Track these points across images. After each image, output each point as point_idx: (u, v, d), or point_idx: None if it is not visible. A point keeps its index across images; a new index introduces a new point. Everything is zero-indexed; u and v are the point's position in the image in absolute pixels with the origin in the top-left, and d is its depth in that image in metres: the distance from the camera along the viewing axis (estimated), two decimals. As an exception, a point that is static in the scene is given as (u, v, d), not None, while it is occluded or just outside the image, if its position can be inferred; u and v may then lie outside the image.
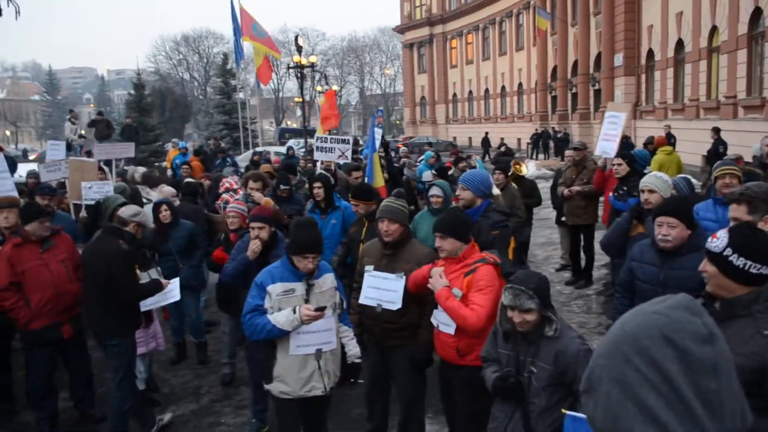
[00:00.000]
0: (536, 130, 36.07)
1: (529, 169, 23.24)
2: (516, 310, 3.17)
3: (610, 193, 7.17)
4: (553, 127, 34.70)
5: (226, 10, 25.87)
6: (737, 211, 3.35)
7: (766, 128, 14.92)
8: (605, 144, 7.98)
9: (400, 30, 60.76)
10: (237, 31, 25.21)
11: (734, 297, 2.56)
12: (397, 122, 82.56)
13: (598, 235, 9.75)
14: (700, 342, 1.10)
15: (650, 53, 26.52)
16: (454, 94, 55.66)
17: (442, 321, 4.03)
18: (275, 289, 3.89)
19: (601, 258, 9.70)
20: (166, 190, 8.61)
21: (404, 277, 4.25)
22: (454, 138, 50.47)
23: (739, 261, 2.53)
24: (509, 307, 3.20)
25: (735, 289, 2.56)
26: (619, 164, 7.10)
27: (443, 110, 56.72)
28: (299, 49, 24.49)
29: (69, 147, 15.35)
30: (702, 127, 19.23)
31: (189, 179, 10.52)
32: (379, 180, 8.47)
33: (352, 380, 5.25)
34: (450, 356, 4.04)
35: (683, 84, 23.49)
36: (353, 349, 4.28)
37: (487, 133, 37.82)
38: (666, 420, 1.07)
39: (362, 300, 4.38)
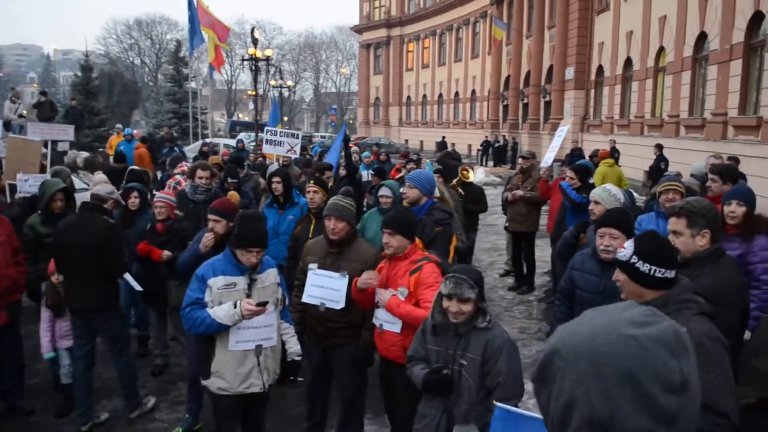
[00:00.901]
0: (486, 137, 36.55)
1: (477, 175, 23.59)
2: (455, 299, 3.23)
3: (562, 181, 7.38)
4: (502, 136, 35.20)
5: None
6: (677, 225, 3.45)
7: (705, 147, 15.51)
8: (548, 155, 8.25)
9: (358, 30, 60.71)
10: (193, 19, 24.73)
11: (645, 302, 2.64)
12: (351, 122, 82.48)
13: (540, 242, 10.00)
14: (669, 391, 0.98)
15: (600, 69, 27.19)
16: (408, 97, 55.91)
17: (385, 320, 4.04)
18: (216, 282, 3.82)
19: (543, 265, 9.91)
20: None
21: (348, 276, 4.23)
22: (406, 141, 50.68)
23: (644, 267, 2.68)
24: (448, 296, 3.24)
25: (645, 294, 2.69)
26: (572, 177, 7.28)
27: (397, 112, 56.92)
28: (255, 41, 24.17)
29: (8, 126, 14.78)
30: (645, 143, 19.81)
31: (134, 167, 10.25)
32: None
33: (291, 378, 5.20)
34: (394, 355, 4.04)
35: (630, 101, 24.15)
36: (294, 347, 4.24)
37: (444, 137, 38.09)
38: None
39: (305, 298, 4.35)
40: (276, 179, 6.60)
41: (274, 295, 4.02)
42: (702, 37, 18.20)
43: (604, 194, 4.98)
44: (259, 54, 24.66)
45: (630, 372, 0.97)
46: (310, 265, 4.40)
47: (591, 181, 7.58)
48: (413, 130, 53.92)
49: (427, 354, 3.43)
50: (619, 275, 2.77)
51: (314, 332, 4.50)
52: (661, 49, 21.14)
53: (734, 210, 4.50)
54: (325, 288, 4.27)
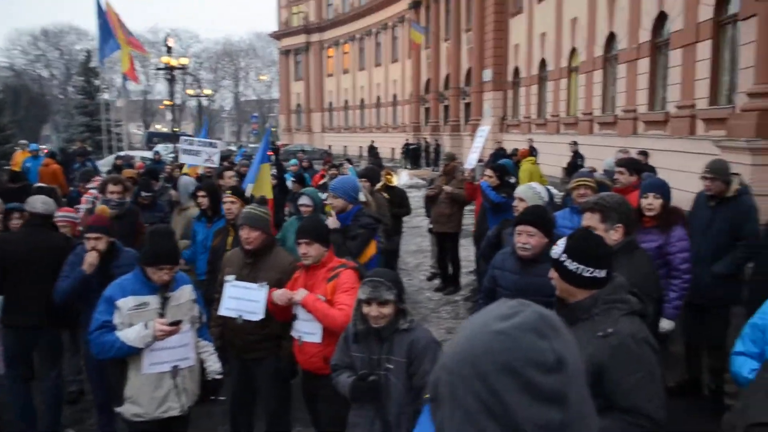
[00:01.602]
0: (407, 140, 36.84)
1: (401, 178, 23.72)
2: (374, 303, 3.16)
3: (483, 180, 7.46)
4: (424, 138, 35.57)
5: (90, 4, 24.35)
6: (590, 220, 3.49)
7: (618, 143, 16.05)
8: (471, 156, 8.31)
9: (277, 36, 60.18)
10: (103, 28, 23.79)
11: (575, 302, 2.68)
12: (273, 129, 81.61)
13: (465, 242, 10.09)
14: (546, 371, 1.01)
15: (516, 70, 27.86)
16: (330, 103, 55.80)
17: (305, 331, 3.93)
18: (126, 303, 3.60)
19: (468, 265, 9.98)
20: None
21: (267, 286, 4.10)
22: (330, 146, 50.54)
23: (572, 265, 2.65)
24: (366, 301, 3.18)
25: (576, 293, 2.68)
26: (490, 176, 7.35)
27: (319, 118, 56.69)
28: (169, 50, 23.52)
29: None
30: (562, 141, 20.39)
31: (41, 185, 9.69)
32: (267, 192, 7.72)
33: (212, 397, 4.99)
34: (315, 366, 3.93)
35: (546, 100, 24.85)
36: (213, 365, 4.05)
37: (373, 142, 38.10)
38: None
39: (222, 311, 4.18)
40: (201, 193, 6.38)
41: (190, 312, 3.83)
42: (611, 38, 18.90)
43: (529, 192, 5.02)
44: (174, 62, 24.00)
45: (506, 364, 1.01)
46: (227, 277, 4.25)
47: (512, 180, 7.69)
48: (337, 135, 53.83)
49: (351, 361, 3.35)
50: (552, 273, 2.76)
51: (233, 346, 4.34)
52: (573, 50, 21.83)
53: (651, 203, 4.61)
54: (243, 300, 4.13)
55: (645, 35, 16.45)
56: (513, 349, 1.02)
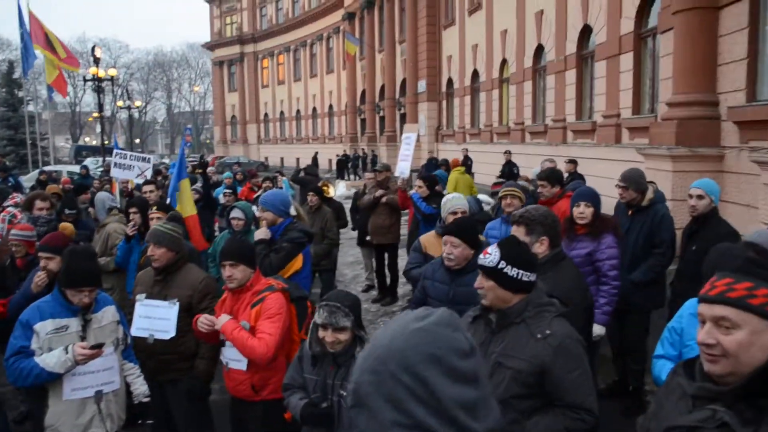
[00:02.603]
0: (344, 151, 36.85)
1: (338, 190, 23.66)
2: (330, 328, 3.05)
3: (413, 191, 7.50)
4: (362, 149, 35.66)
5: (12, 13, 23.39)
6: (517, 232, 3.57)
7: (549, 152, 16.47)
8: (402, 164, 8.33)
9: (210, 47, 59.27)
10: (25, 37, 22.88)
11: (508, 307, 2.72)
12: (207, 141, 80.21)
13: (402, 253, 10.11)
14: (464, 356, 1.21)
15: (450, 81, 28.27)
16: (266, 114, 55.27)
17: (231, 357, 3.79)
18: (44, 327, 3.45)
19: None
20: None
21: (177, 303, 4.01)
22: (266, 158, 50.06)
23: (513, 271, 2.70)
24: (323, 325, 3.06)
25: (511, 298, 2.73)
26: (420, 186, 7.41)
27: (255, 130, 56.06)
28: (96, 60, 22.82)
29: None
30: (496, 150, 20.78)
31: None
32: (190, 208, 7.36)
33: (140, 421, 4.83)
34: (244, 393, 3.82)
35: (479, 111, 25.27)
36: (140, 388, 3.93)
37: (317, 153, 37.82)
38: (435, 429, 1.17)
39: (133, 332, 4.05)
40: (133, 209, 6.17)
41: (114, 334, 3.70)
42: (540, 49, 19.40)
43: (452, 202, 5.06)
44: (102, 74, 23.30)
45: (431, 353, 1.19)
46: (138, 296, 4.14)
47: (445, 191, 7.78)
48: (273, 147, 53.36)
49: (304, 383, 3.24)
50: (483, 282, 2.75)
51: (146, 367, 4.15)
52: (504, 61, 22.30)
53: (583, 211, 4.73)
54: (154, 318, 4.03)
55: (571, 47, 16.97)
56: (435, 340, 1.20)
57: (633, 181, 5.26)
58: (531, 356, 2.63)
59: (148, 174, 10.10)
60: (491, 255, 2.74)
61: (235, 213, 5.90)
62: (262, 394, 3.77)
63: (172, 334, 4.00)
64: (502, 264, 2.70)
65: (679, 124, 8.97)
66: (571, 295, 3.34)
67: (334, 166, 38.18)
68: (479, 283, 2.77)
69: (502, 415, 1.28)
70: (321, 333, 3.10)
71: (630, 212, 5.31)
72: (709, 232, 4.74)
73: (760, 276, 1.69)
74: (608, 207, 5.70)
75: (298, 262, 5.06)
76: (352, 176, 33.59)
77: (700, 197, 4.86)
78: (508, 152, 18.25)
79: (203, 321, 3.75)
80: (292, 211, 5.46)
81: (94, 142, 63.27)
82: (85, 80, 25.64)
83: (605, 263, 4.63)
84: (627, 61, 13.90)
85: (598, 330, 4.64)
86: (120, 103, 42.88)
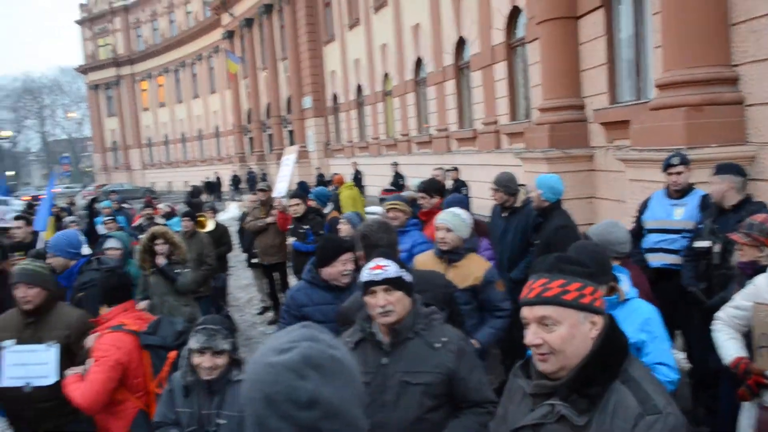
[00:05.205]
0: (234, 171, 36.12)
1: (231, 211, 23.12)
2: (208, 353, 2.92)
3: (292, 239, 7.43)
4: (250, 168, 35.11)
5: None
6: None
7: (435, 160, 16.91)
8: (279, 185, 8.28)
9: (83, 70, 56.57)
10: None
11: (399, 325, 2.65)
12: (88, 169, 76.35)
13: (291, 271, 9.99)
14: (299, 408, 1.18)
15: (335, 96, 28.44)
16: (149, 138, 53.36)
17: None
18: None
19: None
20: None
21: (56, 345, 3.75)
22: (153, 183, 48.29)
23: (407, 276, 2.69)
24: (200, 350, 2.92)
25: (408, 305, 2.68)
26: (297, 204, 7.34)
27: (138, 155, 53.98)
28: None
29: None
30: (385, 162, 21.06)
31: None
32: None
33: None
34: None
35: (365, 124, 25.56)
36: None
37: (217, 174, 36.67)
38: None
39: (5, 382, 3.73)
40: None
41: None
42: (419, 62, 19.91)
43: (455, 220, 4.35)
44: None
45: (268, 396, 1.19)
46: (4, 344, 3.79)
47: (325, 209, 7.75)
48: (159, 171, 51.53)
49: (177, 418, 3.06)
50: (387, 297, 2.62)
51: (21, 418, 3.86)
52: (386, 74, 22.71)
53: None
54: (29, 365, 3.73)
55: (448, 59, 17.53)
56: (274, 383, 1.19)
57: (503, 184, 5.50)
58: (434, 366, 2.63)
59: (8, 218, 9.52)
60: (388, 266, 2.64)
61: (111, 242, 5.66)
62: None
63: (54, 378, 3.72)
64: (402, 272, 2.67)
65: (551, 127, 9.42)
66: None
67: (225, 188, 37.38)
68: (383, 301, 2.62)
69: None
70: (197, 359, 2.96)
71: (505, 214, 5.52)
72: (548, 224, 5.02)
73: (569, 272, 1.82)
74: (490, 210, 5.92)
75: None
76: (246, 196, 32.84)
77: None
78: (395, 164, 18.56)
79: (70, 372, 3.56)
80: (84, 251, 5.27)
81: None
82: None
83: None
84: (500, 70, 14.53)
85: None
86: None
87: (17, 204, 9.87)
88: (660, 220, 4.95)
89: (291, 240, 7.47)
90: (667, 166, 4.94)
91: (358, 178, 20.43)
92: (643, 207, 5.17)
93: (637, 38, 8.41)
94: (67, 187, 49.45)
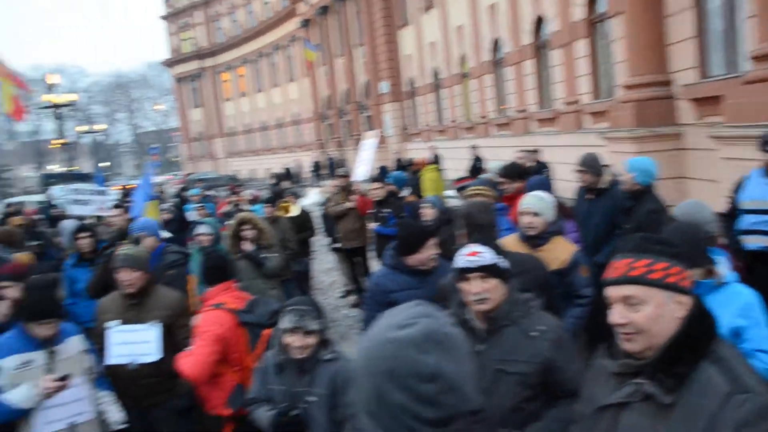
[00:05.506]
0: (315, 158, 36.65)
1: (311, 198, 23.52)
2: (299, 332, 3.00)
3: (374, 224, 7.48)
4: (328, 155, 35.54)
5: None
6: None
7: (514, 142, 16.63)
8: (359, 169, 8.34)
9: (169, 64, 58.77)
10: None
11: (496, 311, 2.61)
12: (175, 159, 79.42)
13: (373, 254, 10.09)
14: (423, 380, 1.25)
15: (412, 80, 28.36)
16: (231, 128, 54.93)
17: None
18: (8, 363, 3.39)
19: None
20: None
21: (158, 324, 3.97)
22: (236, 171, 49.69)
23: (503, 263, 2.64)
24: (291, 330, 3.01)
25: (504, 292, 2.63)
26: (378, 188, 7.39)
27: (221, 144, 55.69)
28: (50, 87, 22.51)
29: None
30: (462, 145, 20.86)
31: None
32: None
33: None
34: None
35: (443, 107, 25.39)
36: (115, 416, 3.86)
37: (297, 160, 37.44)
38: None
39: (112, 360, 3.97)
40: (82, 234, 6.03)
41: (81, 364, 3.64)
42: (496, 43, 19.57)
43: (541, 204, 4.27)
44: (58, 100, 22.98)
45: (391, 369, 1.25)
46: (109, 324, 4.05)
47: (403, 193, 7.76)
48: (242, 159, 52.99)
49: (270, 394, 3.19)
50: (483, 285, 2.58)
51: (127, 396, 4.07)
52: (463, 56, 22.45)
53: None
54: (133, 343, 3.96)
55: (527, 38, 17.14)
56: (396, 359, 1.25)
57: (588, 165, 5.36)
58: (531, 356, 2.57)
59: (107, 206, 10.00)
60: (484, 253, 2.60)
61: (201, 229, 5.89)
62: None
63: (157, 356, 3.95)
64: (498, 258, 2.62)
65: (637, 105, 9.12)
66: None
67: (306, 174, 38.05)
68: (478, 289, 2.59)
69: (516, 421, 1.30)
70: (288, 338, 3.05)
71: (589, 196, 5.39)
72: (640, 208, 4.86)
73: (656, 252, 1.78)
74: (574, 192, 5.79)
75: (191, 280, 5.15)
76: (328, 181, 33.30)
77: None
78: (473, 147, 18.33)
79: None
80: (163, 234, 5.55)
81: (60, 169, 62.29)
82: (40, 108, 25.25)
83: None
84: (581, 47, 14.09)
85: None
86: (80, 127, 42.19)
87: (113, 193, 10.37)
88: (757, 200, 4.70)
89: (373, 224, 7.53)
90: (764, 143, 4.69)
91: (436, 162, 20.33)
92: (739, 186, 4.92)
93: (728, 8, 7.98)
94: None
